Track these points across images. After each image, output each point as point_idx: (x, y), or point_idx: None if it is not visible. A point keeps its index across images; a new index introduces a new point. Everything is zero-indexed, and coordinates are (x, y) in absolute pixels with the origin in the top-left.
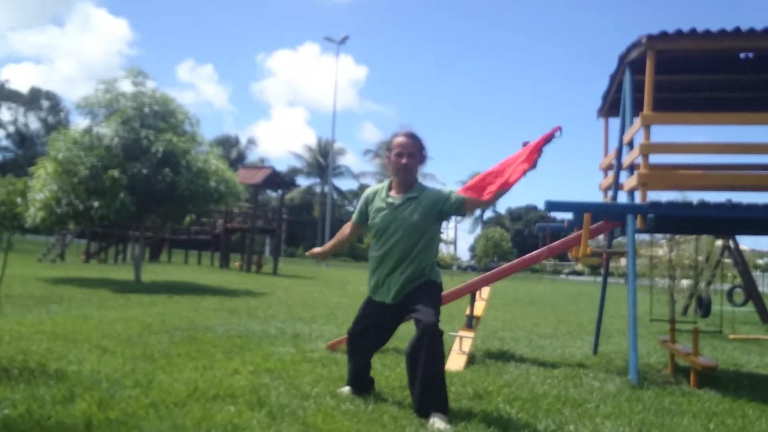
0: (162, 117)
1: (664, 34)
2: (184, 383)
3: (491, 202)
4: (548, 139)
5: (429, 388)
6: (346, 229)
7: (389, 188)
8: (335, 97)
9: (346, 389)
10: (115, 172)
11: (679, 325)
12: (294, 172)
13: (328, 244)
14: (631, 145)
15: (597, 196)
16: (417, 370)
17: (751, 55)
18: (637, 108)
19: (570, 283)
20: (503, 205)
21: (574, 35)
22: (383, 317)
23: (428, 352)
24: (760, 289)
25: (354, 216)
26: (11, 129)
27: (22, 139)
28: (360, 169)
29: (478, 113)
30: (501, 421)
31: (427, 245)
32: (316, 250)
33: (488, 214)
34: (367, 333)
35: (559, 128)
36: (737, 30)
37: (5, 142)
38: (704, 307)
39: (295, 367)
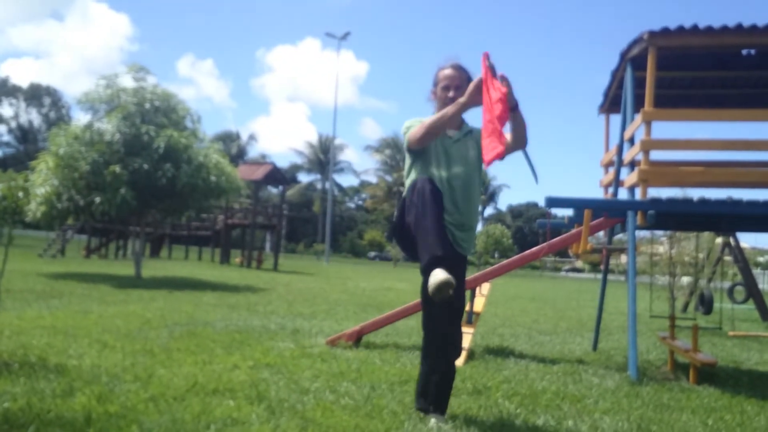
0: (163, 113)
1: (665, 31)
2: (183, 378)
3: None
4: (489, 72)
5: (448, 385)
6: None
7: None
8: (336, 93)
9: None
10: (116, 168)
11: (678, 322)
12: (295, 168)
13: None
14: (632, 141)
15: (597, 193)
16: (440, 366)
17: (753, 51)
18: (638, 104)
19: (570, 279)
20: (504, 202)
21: (575, 31)
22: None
23: (457, 350)
24: (760, 286)
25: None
26: (13, 124)
27: (23, 134)
28: (360, 166)
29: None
30: (500, 417)
31: (479, 194)
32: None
33: (489, 210)
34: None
35: (486, 54)
36: (739, 26)
37: (7, 138)
38: (706, 304)
39: (294, 362)
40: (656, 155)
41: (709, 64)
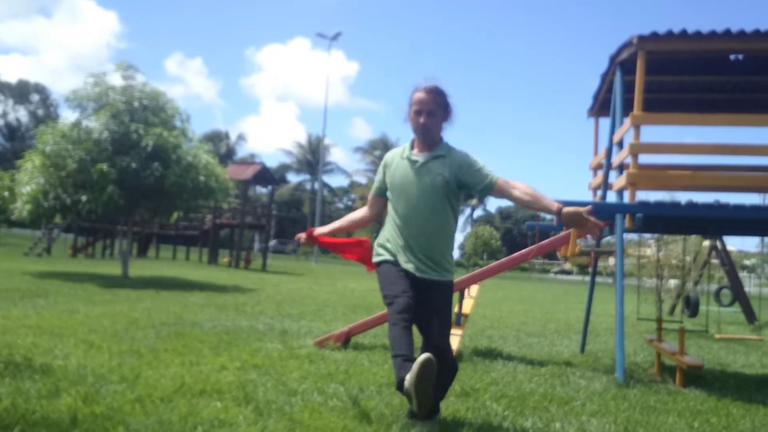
0: (152, 111)
1: (654, 35)
2: (170, 378)
3: (523, 203)
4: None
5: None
6: (360, 211)
7: (411, 147)
8: (327, 93)
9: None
10: (104, 166)
11: (665, 324)
12: (284, 168)
13: (329, 227)
14: (620, 145)
15: (586, 196)
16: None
17: (740, 56)
18: (627, 108)
19: (558, 282)
20: (493, 204)
21: (565, 34)
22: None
23: (443, 387)
24: (746, 289)
25: (373, 188)
26: (0, 122)
27: (11, 132)
28: (350, 166)
29: (468, 110)
30: (488, 419)
31: (449, 220)
32: (316, 230)
33: (478, 212)
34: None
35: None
36: (727, 31)
37: None
38: (692, 307)
39: (282, 363)
40: (645, 159)
41: (697, 68)
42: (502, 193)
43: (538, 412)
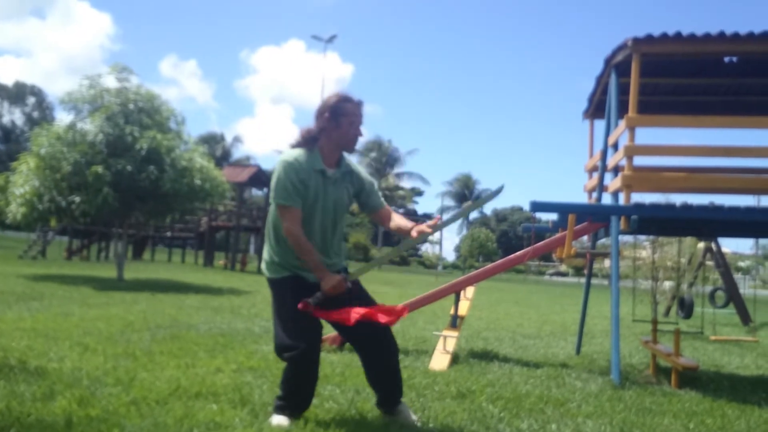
0: (147, 113)
1: (649, 37)
2: (166, 381)
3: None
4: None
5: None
6: (301, 236)
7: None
8: (322, 95)
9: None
10: (99, 169)
11: (661, 326)
12: None
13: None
14: (615, 147)
15: (582, 198)
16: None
17: (735, 59)
18: (622, 110)
19: (554, 283)
20: (489, 207)
21: (560, 36)
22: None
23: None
24: (741, 291)
25: (291, 200)
26: None
27: (6, 134)
28: None
29: (464, 113)
30: (484, 420)
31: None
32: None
33: (474, 215)
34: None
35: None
36: (722, 34)
37: None
38: (686, 308)
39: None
40: (640, 161)
41: (692, 70)
42: (380, 218)
43: (534, 414)
